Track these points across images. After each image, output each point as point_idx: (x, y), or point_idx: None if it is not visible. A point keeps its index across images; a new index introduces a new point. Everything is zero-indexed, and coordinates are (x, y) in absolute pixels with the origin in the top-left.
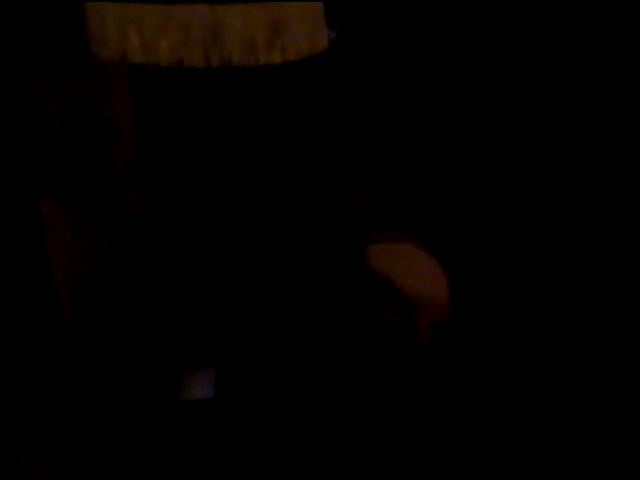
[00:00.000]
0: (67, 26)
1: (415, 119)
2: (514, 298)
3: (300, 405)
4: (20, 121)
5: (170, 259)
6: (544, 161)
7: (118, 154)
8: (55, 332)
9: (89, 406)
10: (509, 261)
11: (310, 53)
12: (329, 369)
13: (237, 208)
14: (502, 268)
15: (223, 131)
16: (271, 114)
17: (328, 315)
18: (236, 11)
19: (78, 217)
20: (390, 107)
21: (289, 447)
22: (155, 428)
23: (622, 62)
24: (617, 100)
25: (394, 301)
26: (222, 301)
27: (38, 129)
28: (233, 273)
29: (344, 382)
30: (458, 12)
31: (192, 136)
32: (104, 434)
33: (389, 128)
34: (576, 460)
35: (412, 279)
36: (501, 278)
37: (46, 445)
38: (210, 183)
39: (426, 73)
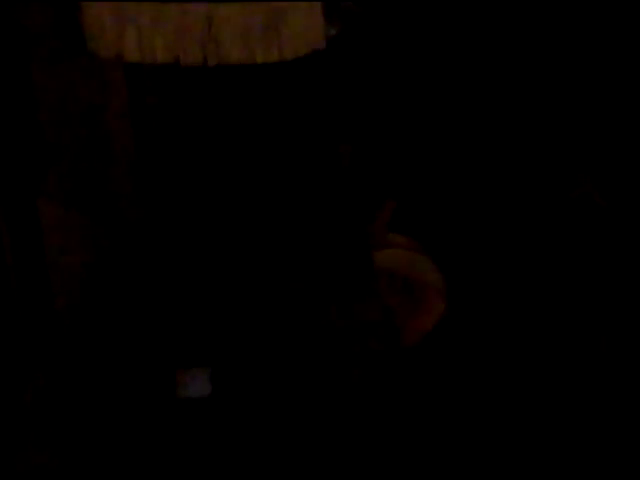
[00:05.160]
0: (64, 24)
1: (417, 119)
2: (514, 299)
3: (298, 403)
4: (16, 119)
5: (167, 256)
6: (548, 161)
7: (116, 152)
8: (52, 330)
9: (85, 405)
10: (509, 262)
11: (308, 51)
12: (327, 366)
13: (236, 206)
14: (502, 269)
15: (222, 129)
16: (270, 112)
17: (326, 311)
18: (233, 8)
19: (74, 215)
20: (392, 106)
21: (287, 445)
22: (152, 427)
23: (622, 61)
24: (619, 100)
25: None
26: (219, 298)
27: (34, 127)
28: (230, 270)
29: (342, 379)
30: (460, 11)
31: (190, 133)
32: (100, 433)
33: (391, 127)
34: (576, 460)
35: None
36: (501, 279)
37: (46, 444)
38: (209, 181)
39: (426, 73)
